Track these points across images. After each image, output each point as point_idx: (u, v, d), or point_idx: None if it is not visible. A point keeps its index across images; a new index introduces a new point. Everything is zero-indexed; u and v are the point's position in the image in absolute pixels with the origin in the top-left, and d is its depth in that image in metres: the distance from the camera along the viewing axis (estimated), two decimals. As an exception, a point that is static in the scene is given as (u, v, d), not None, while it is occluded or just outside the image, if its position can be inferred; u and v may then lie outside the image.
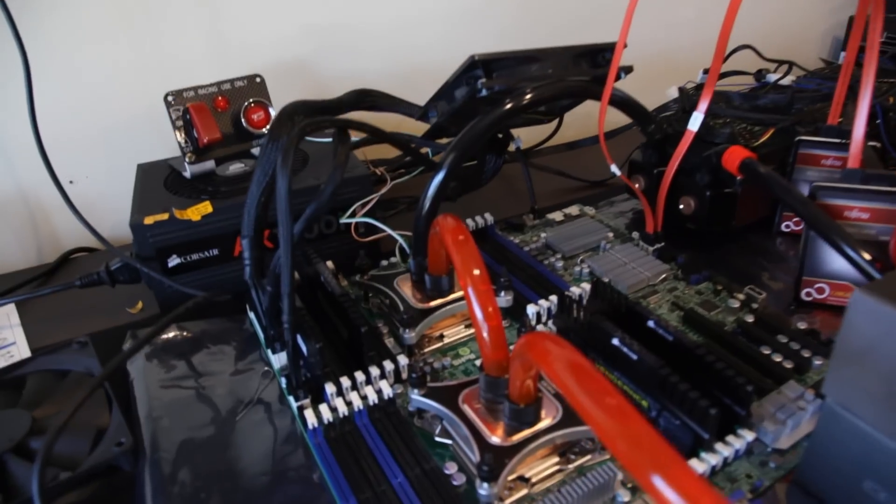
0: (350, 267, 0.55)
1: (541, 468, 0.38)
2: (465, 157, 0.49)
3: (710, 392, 0.38)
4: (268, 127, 0.61)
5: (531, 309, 0.49)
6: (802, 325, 0.48)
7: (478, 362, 0.46)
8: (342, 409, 0.41)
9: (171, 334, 0.51)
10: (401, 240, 0.54)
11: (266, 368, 0.48)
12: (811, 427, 0.40)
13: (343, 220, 0.55)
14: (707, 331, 0.48)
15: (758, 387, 0.41)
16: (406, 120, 0.62)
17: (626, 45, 0.53)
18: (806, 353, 0.45)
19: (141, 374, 0.47)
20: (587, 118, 0.84)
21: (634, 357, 0.40)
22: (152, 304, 0.58)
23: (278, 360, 0.46)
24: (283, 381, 0.44)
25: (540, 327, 0.49)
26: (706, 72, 0.74)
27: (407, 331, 0.45)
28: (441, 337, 0.49)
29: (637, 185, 0.63)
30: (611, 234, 0.61)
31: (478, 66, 0.49)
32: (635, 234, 0.61)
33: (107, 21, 0.67)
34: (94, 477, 0.40)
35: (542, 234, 0.61)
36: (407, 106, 0.62)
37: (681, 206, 0.60)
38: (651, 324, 0.42)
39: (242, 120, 0.61)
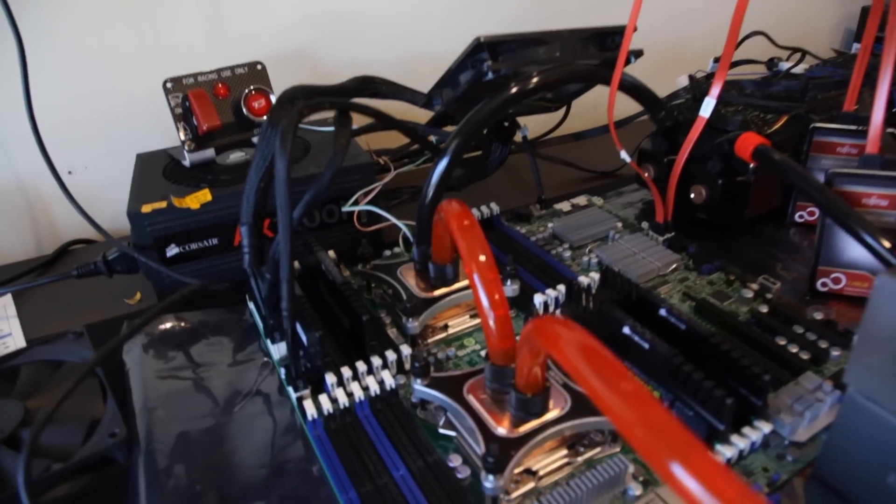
0: (352, 256, 0.54)
1: (548, 461, 0.36)
2: (470, 143, 0.47)
3: (725, 382, 0.36)
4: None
5: (538, 298, 0.47)
6: (819, 316, 0.47)
7: (483, 353, 0.44)
8: (343, 400, 0.39)
9: (168, 325, 0.50)
10: (404, 228, 0.53)
11: (265, 359, 0.47)
12: (830, 419, 0.38)
13: (345, 209, 0.54)
14: (720, 321, 0.46)
15: (774, 378, 0.39)
16: (410, 109, 0.61)
17: (635, 29, 0.51)
18: (823, 344, 0.44)
19: (137, 365, 0.46)
20: (594, 110, 0.82)
21: (646, 346, 0.38)
22: (151, 296, 0.57)
23: (278, 350, 0.44)
24: (283, 371, 0.43)
25: (547, 317, 0.47)
26: (717, 60, 0.72)
27: (410, 320, 0.44)
28: (445, 327, 0.47)
29: (647, 174, 0.61)
30: (619, 225, 0.60)
31: (483, 49, 0.47)
32: (645, 225, 0.59)
33: (106, 8, 0.66)
34: (88, 468, 0.39)
35: (550, 225, 0.60)
36: (411, 93, 0.61)
37: (691, 196, 0.59)
38: (663, 312, 0.41)
39: (243, 107, 0.60)
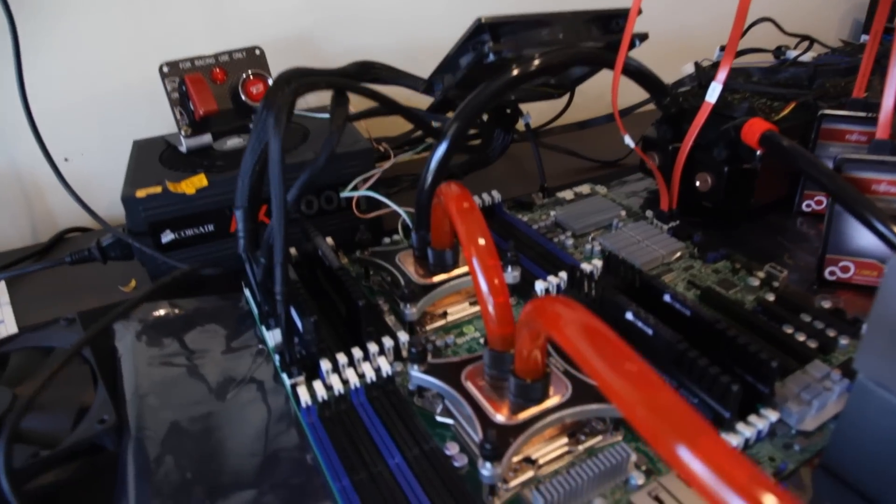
0: (351, 244, 0.53)
1: (548, 449, 0.35)
2: (469, 127, 0.46)
3: (731, 369, 0.35)
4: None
5: (539, 285, 0.46)
6: (827, 305, 0.45)
7: (483, 340, 0.43)
8: (338, 387, 0.38)
9: (162, 312, 0.49)
10: (404, 214, 0.52)
11: (260, 346, 0.46)
12: (838, 409, 0.37)
13: (344, 195, 0.53)
14: (725, 309, 0.45)
15: (781, 366, 0.38)
16: (411, 95, 0.60)
17: (640, 12, 0.50)
18: (831, 333, 0.43)
19: (129, 352, 0.45)
20: (599, 100, 0.81)
21: (650, 332, 0.37)
22: (146, 283, 0.56)
23: (273, 337, 0.43)
24: (278, 358, 0.42)
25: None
26: (723, 49, 0.71)
27: (408, 306, 0.42)
28: (444, 314, 0.46)
29: (651, 161, 0.60)
30: (623, 213, 0.59)
31: (485, 30, 0.46)
32: (649, 213, 0.58)
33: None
34: (76, 456, 0.38)
35: (552, 213, 0.59)
36: (411, 79, 0.60)
37: (697, 184, 0.58)
38: (667, 298, 0.40)
39: (241, 93, 0.59)
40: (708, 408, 0.35)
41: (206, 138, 0.59)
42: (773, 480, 0.19)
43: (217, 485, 0.35)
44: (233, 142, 0.60)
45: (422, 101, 0.59)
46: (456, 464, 0.35)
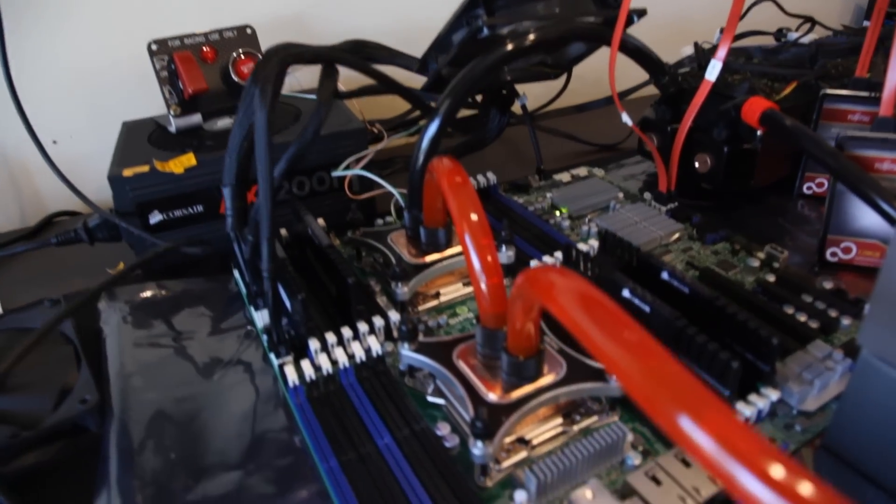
0: (342, 224, 0.52)
1: (542, 430, 0.34)
2: (462, 104, 0.45)
3: (731, 347, 0.34)
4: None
5: (534, 264, 0.45)
6: (828, 285, 0.44)
7: (476, 321, 0.42)
8: (326, 367, 0.37)
9: (149, 293, 0.48)
10: (397, 194, 0.51)
11: (249, 328, 0.45)
12: (840, 389, 0.36)
13: (336, 174, 0.52)
14: (725, 290, 0.44)
15: (782, 346, 0.37)
16: (407, 77, 0.59)
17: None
18: (833, 313, 0.42)
19: (115, 333, 0.44)
20: (597, 85, 0.80)
21: (647, 309, 0.36)
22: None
23: (261, 317, 0.42)
24: (266, 338, 0.41)
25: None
26: (723, 30, 0.70)
27: (399, 285, 0.41)
28: (437, 295, 0.45)
29: (650, 140, 0.59)
30: (621, 195, 0.58)
31: (479, 4, 0.45)
32: (647, 195, 0.57)
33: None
34: (58, 437, 0.37)
35: (548, 195, 0.58)
36: (405, 58, 0.58)
37: (696, 165, 0.57)
38: (665, 275, 0.39)
39: (231, 72, 0.58)
40: (707, 386, 0.34)
41: (196, 118, 0.57)
42: (782, 451, 0.18)
43: (202, 466, 0.34)
44: (223, 122, 0.58)
45: (416, 82, 0.58)
46: (447, 444, 0.34)
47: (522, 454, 0.33)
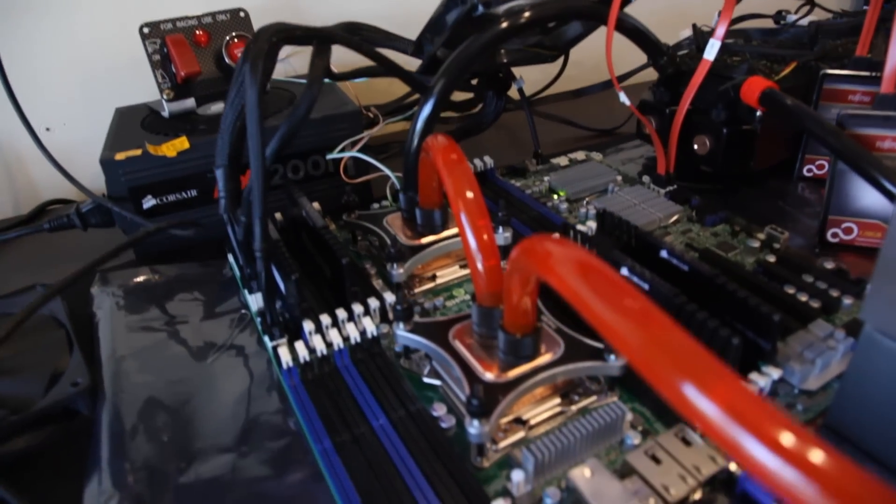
0: (338, 209, 0.51)
1: (540, 410, 0.34)
2: (457, 83, 0.45)
3: (731, 325, 0.34)
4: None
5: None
6: (830, 266, 0.44)
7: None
8: (321, 349, 0.37)
9: (142, 277, 0.48)
10: (393, 177, 0.50)
11: (243, 311, 0.44)
12: (842, 368, 0.36)
13: (330, 157, 0.51)
14: (725, 270, 0.43)
15: (783, 325, 0.37)
16: (404, 61, 0.58)
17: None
18: (834, 293, 0.41)
19: (107, 317, 0.44)
20: (595, 71, 0.79)
21: (646, 287, 0.36)
22: (128, 251, 0.54)
23: (256, 300, 0.42)
24: (260, 321, 0.40)
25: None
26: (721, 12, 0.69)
27: (395, 266, 0.41)
28: (433, 277, 0.45)
29: (648, 121, 0.58)
30: (619, 178, 0.57)
31: (474, -18, 0.44)
32: (646, 178, 0.57)
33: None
34: (48, 420, 0.36)
35: (546, 178, 0.57)
36: (400, 41, 0.58)
37: (695, 147, 0.56)
38: (664, 254, 0.38)
39: (225, 56, 0.57)
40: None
41: (190, 103, 0.57)
42: (790, 417, 0.17)
43: (195, 449, 0.34)
44: (217, 107, 0.58)
45: (412, 66, 0.57)
46: (443, 425, 0.33)
47: (520, 434, 0.33)
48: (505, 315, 0.32)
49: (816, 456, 0.16)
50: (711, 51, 0.51)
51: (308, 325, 0.37)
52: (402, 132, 0.61)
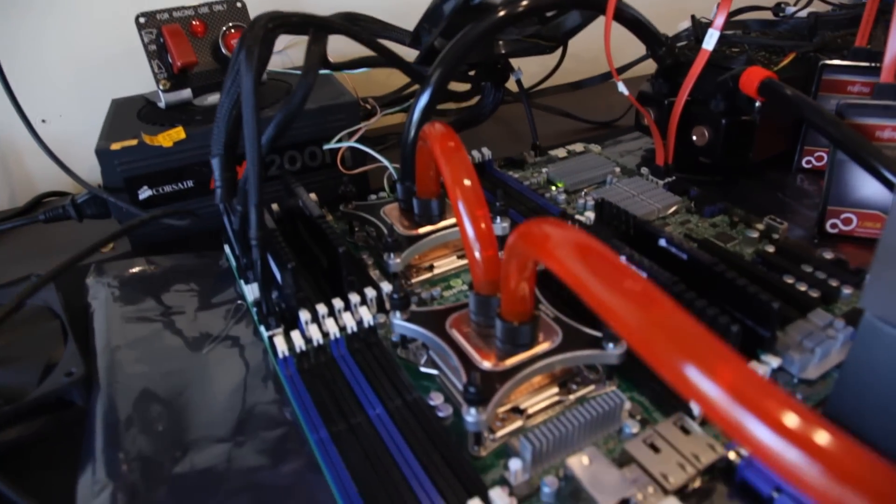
0: (335, 200, 0.51)
1: (537, 399, 0.34)
2: (454, 73, 0.44)
3: (731, 314, 0.33)
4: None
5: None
6: (829, 256, 0.44)
7: (471, 292, 0.42)
8: (317, 338, 0.36)
9: (137, 268, 0.47)
10: (390, 167, 0.50)
11: (239, 302, 0.44)
12: (842, 357, 0.35)
13: (327, 147, 0.51)
14: (723, 260, 0.43)
15: (782, 315, 0.36)
16: (402, 52, 0.58)
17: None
18: (834, 283, 0.41)
19: (102, 308, 0.43)
20: (593, 64, 0.79)
21: (644, 275, 0.35)
22: (124, 243, 0.54)
23: (252, 291, 0.41)
24: (256, 311, 0.40)
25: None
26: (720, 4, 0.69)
27: (392, 256, 0.40)
28: (431, 268, 0.45)
29: (647, 112, 0.58)
30: (618, 170, 0.57)
31: (471, -30, 0.44)
32: (644, 170, 0.56)
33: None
34: (42, 410, 0.36)
35: (544, 170, 0.57)
36: (398, 32, 0.58)
37: (694, 138, 0.56)
38: (663, 242, 0.38)
39: (221, 46, 0.57)
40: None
41: (186, 93, 0.57)
42: (794, 398, 0.17)
43: (190, 439, 0.34)
44: (213, 97, 0.57)
45: (410, 57, 0.57)
46: (440, 414, 0.33)
47: (517, 423, 0.32)
48: (502, 302, 0.32)
49: (820, 436, 0.16)
50: (710, 41, 0.50)
51: (304, 315, 0.37)
52: (400, 124, 0.61)
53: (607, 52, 0.52)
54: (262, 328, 0.38)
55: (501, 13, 0.43)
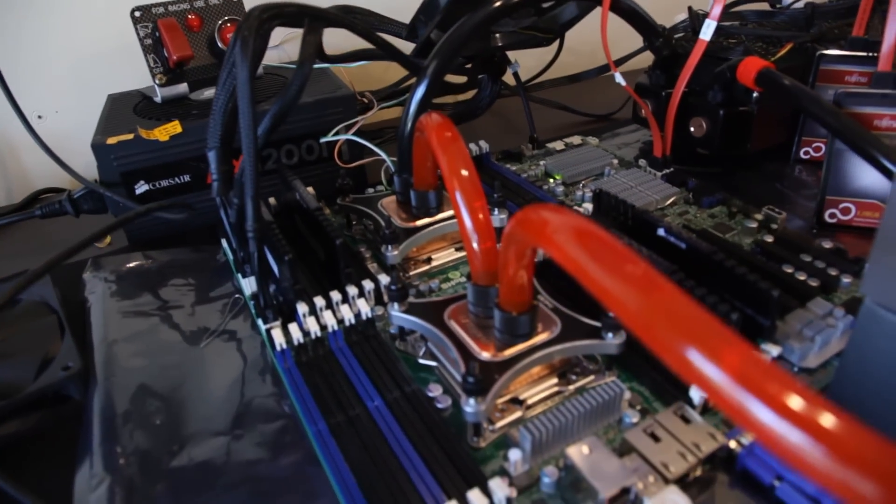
0: (332, 194, 0.51)
1: (537, 390, 0.33)
2: (450, 64, 0.44)
3: (730, 302, 0.33)
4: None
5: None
6: (827, 245, 0.43)
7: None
8: (315, 331, 0.36)
9: (134, 263, 0.47)
10: (388, 160, 0.50)
11: (237, 296, 0.44)
12: (841, 346, 0.35)
13: (324, 140, 0.51)
14: (722, 251, 0.43)
15: (781, 304, 0.36)
16: (402, 47, 0.57)
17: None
18: (833, 272, 0.41)
19: (99, 302, 0.43)
20: (591, 57, 0.79)
21: (643, 263, 0.35)
22: (121, 238, 0.54)
23: (249, 285, 0.41)
24: (253, 304, 0.40)
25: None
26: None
27: (389, 248, 0.40)
28: (429, 260, 0.44)
29: (644, 103, 0.57)
30: (616, 162, 0.57)
31: (467, -39, 0.44)
32: (642, 162, 0.56)
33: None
34: (39, 405, 0.36)
35: (542, 163, 0.57)
36: (394, 25, 0.57)
37: (691, 129, 0.56)
38: (661, 231, 0.38)
39: (217, 40, 0.57)
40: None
41: (182, 88, 0.56)
42: (799, 381, 0.17)
43: (187, 433, 0.34)
44: (209, 92, 0.57)
45: (406, 50, 0.56)
46: (439, 405, 0.33)
47: (517, 414, 0.32)
48: (501, 292, 0.32)
49: (825, 418, 0.16)
50: (707, 31, 0.50)
51: (302, 308, 0.37)
52: (397, 118, 0.60)
53: (604, 43, 0.52)
54: (259, 321, 0.38)
55: (497, 4, 0.43)
